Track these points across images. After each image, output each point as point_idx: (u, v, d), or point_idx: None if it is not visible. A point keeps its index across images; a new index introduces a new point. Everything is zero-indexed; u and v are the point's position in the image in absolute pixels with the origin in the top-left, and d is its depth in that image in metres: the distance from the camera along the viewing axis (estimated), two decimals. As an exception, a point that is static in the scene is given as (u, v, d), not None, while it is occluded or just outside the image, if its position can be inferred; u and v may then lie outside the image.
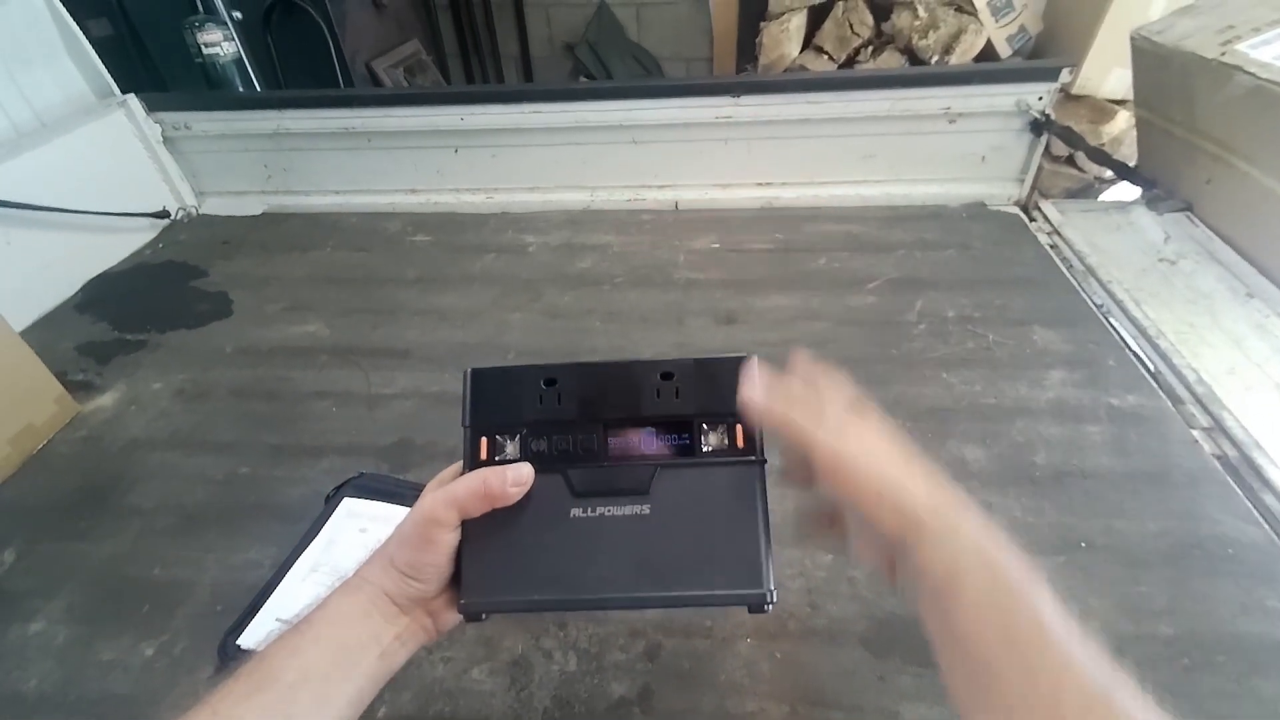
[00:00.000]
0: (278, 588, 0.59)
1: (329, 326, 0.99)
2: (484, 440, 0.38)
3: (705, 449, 0.38)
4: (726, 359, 0.39)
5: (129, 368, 0.93)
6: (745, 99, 1.15)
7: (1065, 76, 1.08)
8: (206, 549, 0.67)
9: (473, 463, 0.38)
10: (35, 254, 1.06)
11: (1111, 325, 0.89)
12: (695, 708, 0.52)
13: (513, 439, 0.38)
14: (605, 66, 2.71)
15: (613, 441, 0.38)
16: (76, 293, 1.11)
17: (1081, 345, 0.86)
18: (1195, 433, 0.73)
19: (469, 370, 0.39)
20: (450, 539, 0.36)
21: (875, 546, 0.34)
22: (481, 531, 0.36)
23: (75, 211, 1.10)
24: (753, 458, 0.38)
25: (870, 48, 1.97)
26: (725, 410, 0.38)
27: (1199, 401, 0.78)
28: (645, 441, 0.38)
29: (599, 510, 0.37)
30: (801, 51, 2.04)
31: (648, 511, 0.37)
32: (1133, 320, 0.91)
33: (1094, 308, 0.93)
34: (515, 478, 0.36)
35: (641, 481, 0.37)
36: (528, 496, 0.37)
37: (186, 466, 0.77)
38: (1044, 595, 0.29)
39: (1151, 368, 0.83)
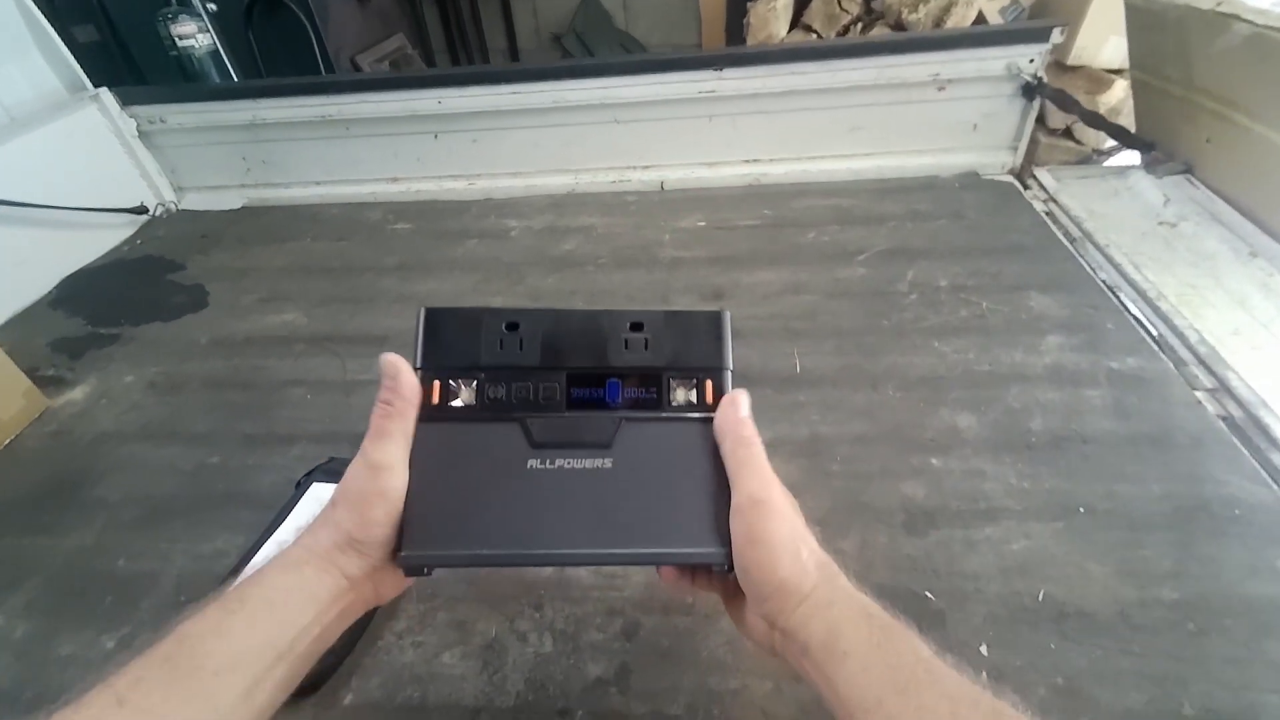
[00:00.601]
0: (241, 575, 0.57)
1: (306, 316, 0.97)
2: (436, 383, 0.35)
3: (672, 404, 0.36)
4: (699, 313, 0.38)
5: (101, 362, 0.91)
6: (729, 72, 1.12)
7: (1057, 37, 1.05)
8: (173, 540, 0.65)
9: (423, 408, 0.35)
10: (9, 251, 1.04)
11: (1110, 289, 0.86)
12: (675, 685, 0.49)
13: (468, 384, 0.36)
14: (593, 56, 2.68)
15: (575, 392, 0.36)
16: (52, 290, 1.09)
17: (1079, 310, 0.83)
18: (1199, 394, 0.70)
19: (424, 308, 0.37)
20: (399, 486, 0.33)
21: (756, 611, 0.34)
22: (428, 480, 0.34)
23: (49, 207, 1.08)
24: (715, 417, 0.36)
25: (860, 24, 1.94)
26: (695, 365, 0.37)
27: (1202, 362, 0.75)
28: (610, 393, 0.36)
29: (558, 463, 0.35)
30: (790, 31, 2.01)
31: (609, 466, 0.35)
32: (1132, 284, 0.88)
33: (1091, 273, 0.90)
34: (390, 375, 0.34)
35: (604, 434, 0.35)
36: (481, 445, 0.35)
37: (156, 458, 0.75)
38: (916, 636, 0.30)
39: (1152, 330, 0.80)
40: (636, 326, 0.37)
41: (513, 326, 0.37)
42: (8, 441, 0.78)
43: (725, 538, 0.34)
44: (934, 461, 0.66)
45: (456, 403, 0.36)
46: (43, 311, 1.04)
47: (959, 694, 0.28)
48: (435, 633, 0.54)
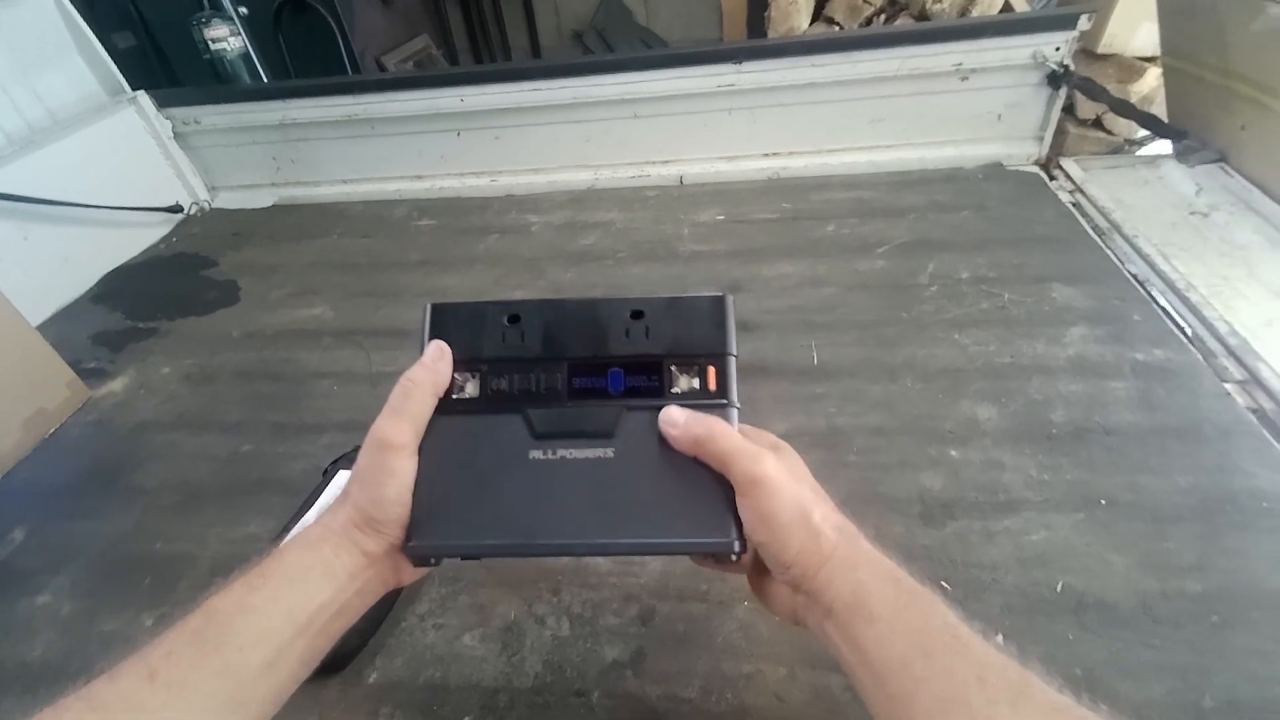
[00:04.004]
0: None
1: (333, 310, 1.00)
2: None
3: (675, 391, 0.36)
4: (701, 298, 0.37)
5: (140, 354, 0.94)
6: (748, 65, 1.12)
7: (1084, 24, 1.03)
8: (208, 524, 0.67)
9: None
10: (53, 249, 1.09)
11: (1137, 280, 0.85)
12: (689, 669, 0.50)
13: (473, 377, 0.36)
14: (614, 53, 2.69)
15: (577, 381, 0.36)
16: (93, 286, 1.13)
17: (1104, 301, 0.82)
18: (1228, 386, 0.69)
19: (428, 304, 0.38)
20: (409, 467, 0.34)
21: (779, 579, 0.34)
22: (434, 472, 0.35)
23: (91, 206, 1.13)
24: (724, 401, 0.36)
25: (883, 16, 1.92)
26: (698, 351, 0.36)
27: (1232, 354, 0.73)
28: (611, 382, 0.36)
29: (560, 453, 0.35)
30: (812, 23, 2.00)
31: (611, 455, 0.35)
32: (1160, 274, 0.86)
33: (1119, 264, 0.88)
34: (432, 356, 0.35)
35: (606, 424, 0.35)
36: (485, 437, 0.35)
37: (191, 446, 0.77)
38: (942, 602, 0.30)
39: (1181, 322, 0.78)
40: (637, 314, 0.37)
41: (514, 319, 0.37)
42: (53, 430, 0.82)
43: (734, 523, 0.33)
44: (953, 453, 0.65)
45: (464, 394, 0.36)
46: (85, 306, 1.09)
47: (986, 660, 0.28)
48: (456, 615, 0.56)
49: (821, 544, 0.31)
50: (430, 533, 0.34)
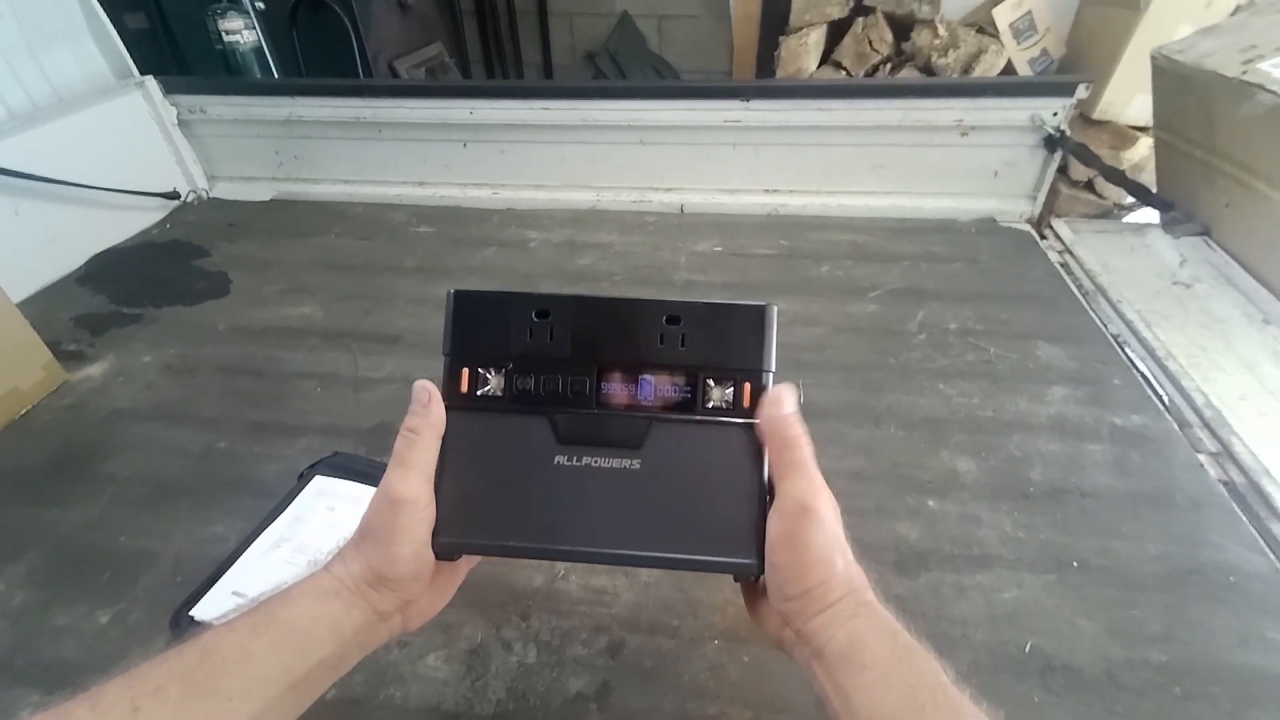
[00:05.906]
0: (238, 561, 0.58)
1: (324, 310, 0.99)
2: (465, 371, 0.35)
3: (707, 405, 0.35)
4: (742, 306, 0.35)
5: (121, 340, 0.93)
6: (755, 103, 1.14)
7: (1082, 93, 1.07)
8: (175, 521, 0.66)
9: (451, 395, 0.35)
10: (42, 226, 1.07)
11: (1119, 345, 0.87)
12: (655, 707, 0.49)
13: (497, 373, 0.35)
14: (625, 76, 2.73)
15: (606, 387, 0.35)
16: (80, 266, 1.12)
17: (1087, 363, 0.83)
18: (1201, 457, 0.70)
19: (452, 291, 0.36)
20: (422, 519, 0.33)
21: (776, 606, 0.33)
22: (459, 467, 0.34)
23: (84, 186, 1.11)
24: (757, 420, 0.34)
25: (889, 65, 1.97)
26: (734, 365, 0.35)
27: (1207, 425, 0.74)
28: (641, 390, 0.35)
29: (585, 460, 0.34)
30: (820, 66, 2.04)
31: (638, 467, 0.34)
32: (1142, 341, 0.88)
33: (1102, 327, 0.90)
34: (420, 401, 0.34)
35: (634, 435, 0.34)
36: (510, 437, 0.35)
37: (165, 439, 0.76)
38: (936, 660, 0.30)
39: (1159, 389, 0.80)
40: (673, 319, 0.35)
41: (543, 314, 0.35)
42: (24, 411, 0.80)
43: (755, 546, 0.33)
44: (930, 503, 0.66)
45: (488, 390, 0.35)
46: (70, 287, 1.07)
47: None
48: (421, 634, 0.55)
49: (830, 590, 0.31)
50: (456, 529, 0.34)
